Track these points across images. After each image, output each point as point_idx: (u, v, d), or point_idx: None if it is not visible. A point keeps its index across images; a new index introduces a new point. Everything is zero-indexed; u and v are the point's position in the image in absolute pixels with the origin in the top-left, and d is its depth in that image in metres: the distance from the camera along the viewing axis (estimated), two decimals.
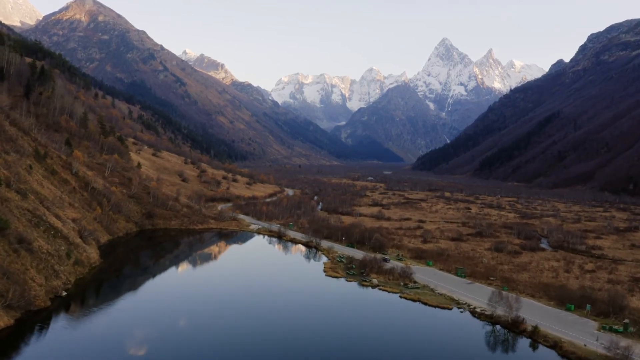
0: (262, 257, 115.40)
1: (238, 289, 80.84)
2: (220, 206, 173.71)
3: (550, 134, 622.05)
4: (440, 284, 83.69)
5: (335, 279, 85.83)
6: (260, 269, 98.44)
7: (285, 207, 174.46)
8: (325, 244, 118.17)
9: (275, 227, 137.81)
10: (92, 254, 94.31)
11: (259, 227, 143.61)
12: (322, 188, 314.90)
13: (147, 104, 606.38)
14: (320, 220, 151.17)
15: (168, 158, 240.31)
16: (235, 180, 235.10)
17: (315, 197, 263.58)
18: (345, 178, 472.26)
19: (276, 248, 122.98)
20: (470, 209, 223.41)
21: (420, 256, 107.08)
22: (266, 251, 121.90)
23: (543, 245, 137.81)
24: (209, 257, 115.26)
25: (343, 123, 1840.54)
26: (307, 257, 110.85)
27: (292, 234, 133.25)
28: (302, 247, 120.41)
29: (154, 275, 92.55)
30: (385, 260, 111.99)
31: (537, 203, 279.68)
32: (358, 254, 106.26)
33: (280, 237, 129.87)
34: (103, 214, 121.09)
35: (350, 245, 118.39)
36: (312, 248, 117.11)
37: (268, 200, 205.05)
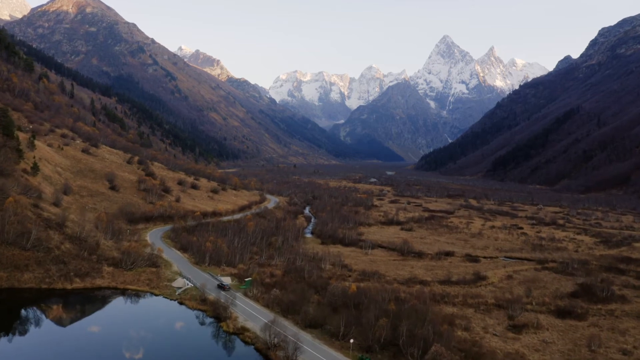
0: None
1: None
2: (150, 233, 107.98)
3: (571, 132, 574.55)
4: None
5: None
6: None
7: (251, 236, 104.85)
8: (310, 352, 50.28)
9: (215, 285, 71.21)
10: None
11: (188, 285, 73.18)
12: (316, 194, 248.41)
13: (127, 96, 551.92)
14: (305, 264, 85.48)
15: (105, 156, 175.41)
16: (195, 187, 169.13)
17: (307, 209, 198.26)
18: (345, 179, 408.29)
19: None
20: (523, 229, 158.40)
21: None
22: None
23: None
24: None
25: (342, 121, 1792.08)
26: None
27: (243, 309, 64.08)
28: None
29: None
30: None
31: (594, 216, 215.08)
32: None
33: (219, 319, 60.92)
34: None
35: None
36: None
37: (233, 217, 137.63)
